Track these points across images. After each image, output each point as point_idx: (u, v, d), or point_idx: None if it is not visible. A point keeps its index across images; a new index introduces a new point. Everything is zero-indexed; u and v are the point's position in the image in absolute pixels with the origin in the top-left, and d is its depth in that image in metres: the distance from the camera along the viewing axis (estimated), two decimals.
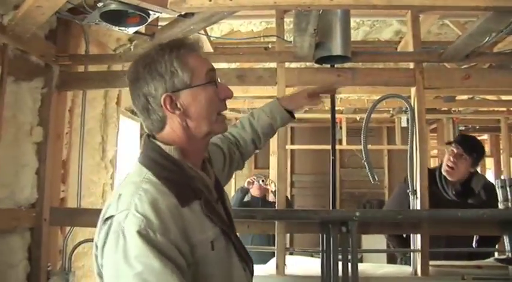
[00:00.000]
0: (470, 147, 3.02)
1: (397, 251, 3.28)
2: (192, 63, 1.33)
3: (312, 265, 2.65)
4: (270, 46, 3.23)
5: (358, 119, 6.19)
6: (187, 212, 1.21)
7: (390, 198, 3.35)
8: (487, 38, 2.29)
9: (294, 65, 3.07)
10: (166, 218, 1.14)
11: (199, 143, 1.39)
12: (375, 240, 3.54)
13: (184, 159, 1.32)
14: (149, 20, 2.18)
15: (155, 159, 1.29)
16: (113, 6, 2.05)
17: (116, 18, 2.22)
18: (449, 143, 3.04)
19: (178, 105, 1.30)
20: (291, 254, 3.64)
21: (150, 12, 2.11)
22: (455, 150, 3.01)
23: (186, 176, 1.30)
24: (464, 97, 5.36)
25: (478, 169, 7.04)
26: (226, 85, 1.42)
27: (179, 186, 1.24)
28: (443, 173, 3.02)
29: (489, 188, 2.95)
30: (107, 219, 1.18)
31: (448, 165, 2.99)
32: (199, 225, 1.23)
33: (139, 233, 1.09)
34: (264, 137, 1.90)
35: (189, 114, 1.31)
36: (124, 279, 1.09)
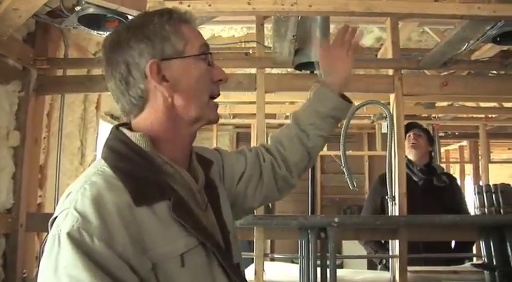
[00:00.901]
0: (422, 128, 3.43)
1: (375, 257, 3.30)
2: (187, 32, 1.08)
3: (291, 271, 2.65)
4: (251, 52, 3.23)
5: (338, 125, 6.20)
6: (145, 214, 0.93)
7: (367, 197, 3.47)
8: (464, 45, 2.32)
9: (274, 70, 3.07)
10: (111, 219, 0.88)
11: (184, 131, 1.10)
12: (356, 246, 3.55)
13: (158, 151, 1.04)
14: None
15: (115, 148, 1.04)
16: (91, 10, 2.04)
17: (95, 22, 2.21)
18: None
19: (166, 77, 1.04)
20: (273, 260, 3.63)
21: (129, 16, 2.10)
22: (412, 133, 3.28)
23: (153, 170, 1.02)
24: (444, 104, 5.42)
25: (458, 176, 7.15)
26: (220, 67, 1.16)
27: (139, 181, 0.97)
28: (408, 155, 3.19)
29: (450, 175, 3.43)
30: (53, 220, 0.93)
31: (411, 143, 3.23)
32: (163, 232, 0.95)
33: (69, 234, 0.84)
34: (314, 140, 1.49)
35: (178, 88, 1.05)
36: None
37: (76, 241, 0.84)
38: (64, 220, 0.87)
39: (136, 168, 1.00)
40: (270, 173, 1.41)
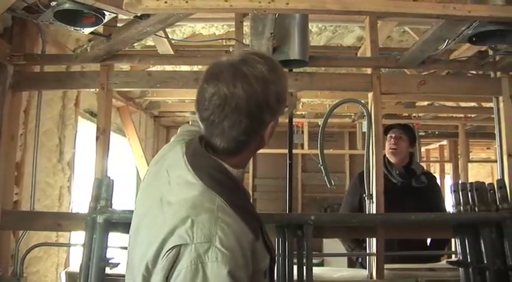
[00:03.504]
0: (405, 129, 3.40)
1: (353, 255, 3.33)
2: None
3: None
4: (231, 49, 3.23)
5: (320, 123, 6.23)
6: (258, 244, 1.19)
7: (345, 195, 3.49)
8: (441, 45, 2.34)
9: None
10: (247, 254, 1.10)
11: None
12: (337, 245, 3.57)
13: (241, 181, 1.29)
14: (104, 21, 2.14)
15: (222, 183, 1.19)
16: (67, 5, 2.01)
17: (71, 17, 2.18)
18: (385, 133, 3.23)
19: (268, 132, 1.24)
20: None
21: (106, 12, 2.08)
22: (393, 135, 3.30)
23: (248, 201, 1.28)
24: (424, 103, 5.48)
25: (438, 175, 7.22)
26: None
27: (249, 216, 1.19)
28: (388, 157, 3.26)
29: (429, 174, 3.50)
30: (175, 246, 1.07)
31: (391, 148, 3.27)
32: (262, 254, 1.22)
33: (230, 274, 1.02)
34: None
35: (266, 140, 1.25)
36: None
37: (232, 276, 1.03)
38: (208, 253, 1.04)
39: (243, 203, 1.23)
40: None
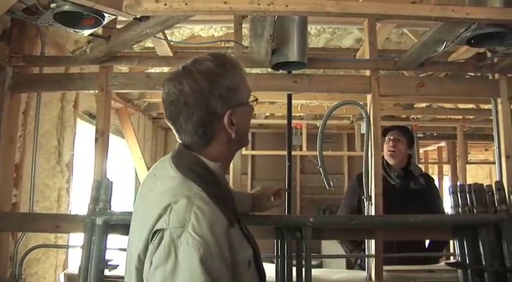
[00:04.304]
0: (403, 131, 3.40)
1: (351, 256, 3.33)
2: (245, 80, 1.36)
3: (268, 271, 2.65)
4: (230, 51, 3.23)
5: (318, 125, 6.25)
6: (234, 232, 1.21)
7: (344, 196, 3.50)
8: (440, 47, 2.35)
9: (254, 70, 3.08)
10: (221, 240, 1.13)
11: (231, 159, 1.42)
12: (336, 246, 3.57)
13: (222, 176, 1.33)
14: (104, 23, 2.15)
15: (201, 175, 1.26)
16: (67, 7, 2.01)
17: (71, 19, 2.18)
18: (383, 135, 3.21)
19: (233, 121, 1.30)
20: None
21: (105, 14, 2.08)
22: (392, 137, 3.31)
23: (226, 193, 1.32)
24: (423, 105, 5.49)
25: (436, 176, 7.22)
26: None
27: (226, 205, 1.24)
28: (387, 159, 3.27)
29: (428, 176, 3.49)
30: (157, 231, 1.15)
31: (389, 150, 3.28)
32: (241, 244, 1.24)
33: (201, 260, 1.07)
34: None
35: (239, 128, 1.32)
36: None
37: (203, 262, 1.07)
38: (180, 238, 1.10)
39: (220, 194, 1.26)
40: None
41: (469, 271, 2.23)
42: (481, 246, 2.22)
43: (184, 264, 1.08)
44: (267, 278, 2.45)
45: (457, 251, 2.33)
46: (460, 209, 2.36)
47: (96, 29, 2.25)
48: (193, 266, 1.07)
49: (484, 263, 2.19)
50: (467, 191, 2.37)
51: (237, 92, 1.30)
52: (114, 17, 2.11)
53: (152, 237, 1.16)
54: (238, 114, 1.30)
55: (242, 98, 1.32)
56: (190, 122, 1.27)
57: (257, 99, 1.41)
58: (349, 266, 4.96)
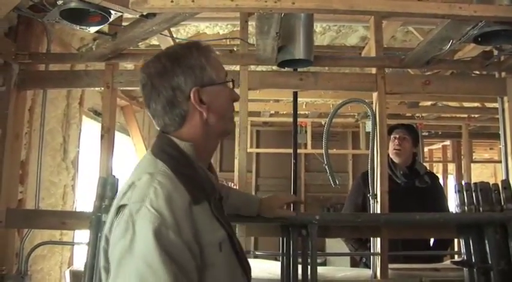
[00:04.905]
0: (409, 129, 3.45)
1: (357, 254, 3.34)
2: (215, 62, 1.38)
3: (273, 268, 2.65)
4: (235, 49, 3.22)
5: (323, 123, 6.24)
6: (198, 211, 1.19)
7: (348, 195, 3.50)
8: (446, 45, 2.34)
9: (259, 68, 3.08)
10: (180, 215, 1.13)
11: (213, 142, 1.41)
12: (340, 244, 3.58)
13: (197, 158, 1.32)
14: (110, 20, 2.15)
15: (170, 154, 1.29)
16: (73, 4, 2.01)
17: (77, 16, 2.18)
18: (389, 133, 3.21)
19: (204, 100, 1.32)
20: (256, 257, 3.64)
21: (112, 11, 2.08)
22: (397, 136, 3.34)
23: (198, 174, 1.30)
24: (428, 103, 5.47)
25: (441, 175, 7.21)
26: (234, 90, 1.47)
27: (193, 183, 1.23)
28: (392, 157, 3.28)
29: (433, 174, 3.52)
30: (120, 208, 1.17)
31: (395, 149, 3.30)
32: (209, 225, 1.22)
33: (154, 233, 1.07)
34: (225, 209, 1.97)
35: (212, 109, 1.33)
36: (125, 268, 1.08)
37: (158, 237, 1.07)
38: (138, 212, 1.11)
39: (189, 172, 1.26)
40: None
41: (475, 270, 2.22)
42: (487, 244, 2.21)
43: (139, 237, 1.08)
44: (273, 276, 2.47)
45: (463, 250, 2.33)
46: (466, 208, 2.36)
47: (102, 26, 2.25)
48: (147, 239, 1.07)
49: (490, 262, 2.19)
50: (473, 189, 2.37)
51: (203, 71, 1.32)
52: (121, 14, 2.11)
53: (116, 215, 1.17)
54: (209, 93, 1.33)
55: (211, 77, 1.34)
56: (159, 102, 1.31)
57: (233, 80, 1.44)
58: (354, 264, 4.96)
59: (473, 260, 2.24)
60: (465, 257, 2.29)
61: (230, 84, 1.44)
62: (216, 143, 1.44)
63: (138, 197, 1.15)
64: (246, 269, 1.37)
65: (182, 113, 1.31)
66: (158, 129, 1.39)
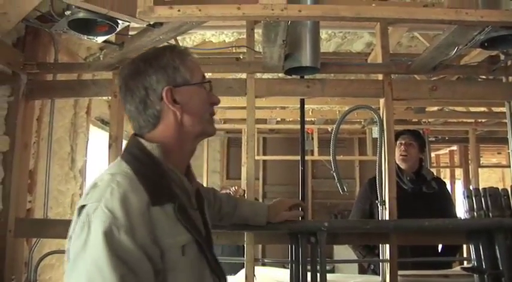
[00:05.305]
0: (415, 135, 3.47)
1: (366, 261, 3.33)
2: (191, 64, 1.39)
3: (281, 276, 2.65)
4: (241, 57, 3.23)
5: (329, 129, 6.24)
6: (158, 212, 1.18)
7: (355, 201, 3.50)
8: (453, 50, 2.34)
9: (266, 76, 3.08)
10: (135, 216, 1.12)
11: (189, 144, 1.40)
12: (347, 251, 3.57)
13: (167, 160, 1.31)
14: (118, 29, 2.16)
15: (136, 155, 1.29)
16: (81, 14, 2.03)
17: (85, 26, 2.19)
18: (395, 139, 3.21)
19: (177, 100, 1.32)
20: (264, 264, 3.63)
21: (119, 21, 2.09)
22: (403, 142, 3.36)
23: (163, 176, 1.29)
24: (434, 108, 5.46)
25: (448, 180, 7.18)
26: (213, 93, 1.48)
27: (155, 185, 1.22)
28: (398, 163, 3.29)
29: (440, 180, 3.54)
30: (81, 208, 1.17)
31: (401, 155, 3.32)
32: (170, 228, 1.21)
33: (104, 233, 1.07)
34: (233, 221, 2.00)
35: (186, 109, 1.33)
36: (77, 268, 1.09)
37: (107, 237, 1.07)
38: (94, 213, 1.11)
39: (152, 174, 1.25)
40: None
41: (485, 276, 2.21)
42: (497, 250, 2.20)
43: (92, 237, 1.09)
44: None
45: (473, 256, 2.32)
46: (475, 213, 2.35)
47: (109, 35, 2.27)
48: (97, 239, 1.07)
49: (501, 268, 2.17)
50: (482, 194, 2.36)
51: (176, 71, 1.33)
52: (128, 23, 2.13)
53: (78, 215, 1.17)
54: (183, 93, 1.34)
55: (185, 78, 1.35)
56: (133, 103, 1.33)
57: (209, 81, 1.44)
58: (362, 271, 4.94)
59: (484, 266, 2.23)
60: (475, 263, 2.28)
61: (207, 87, 1.44)
62: (192, 145, 1.42)
63: (96, 197, 1.15)
64: (220, 278, 1.38)
65: (155, 113, 1.32)
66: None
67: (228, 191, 5.35)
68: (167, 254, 1.17)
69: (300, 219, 2.28)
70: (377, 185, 2.64)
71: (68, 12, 2.05)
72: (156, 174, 1.26)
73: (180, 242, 1.22)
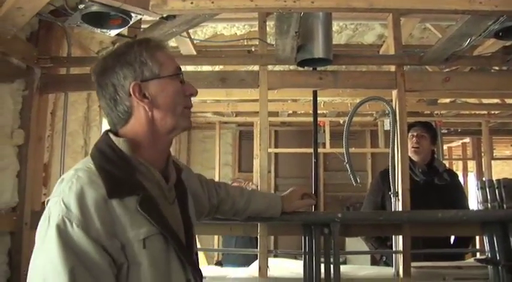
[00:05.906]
0: (427, 127, 3.45)
1: (379, 252, 3.33)
2: (161, 57, 1.35)
3: (295, 267, 2.66)
4: (253, 49, 3.23)
5: (341, 122, 6.22)
6: (116, 206, 1.18)
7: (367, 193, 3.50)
8: (466, 41, 2.32)
9: (277, 68, 3.08)
10: (90, 210, 1.13)
11: (162, 139, 1.36)
12: (359, 243, 3.57)
13: (138, 154, 1.30)
14: (131, 22, 2.17)
15: (102, 151, 1.28)
16: (95, 8, 2.04)
17: (98, 20, 2.21)
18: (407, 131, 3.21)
19: (147, 95, 1.30)
20: (276, 256, 3.64)
21: (132, 14, 2.10)
22: (415, 133, 3.33)
23: (129, 170, 1.27)
24: (447, 100, 5.43)
25: (460, 173, 7.14)
26: (191, 84, 1.43)
27: (115, 179, 1.22)
28: (410, 156, 3.22)
29: (452, 172, 3.56)
30: (47, 202, 1.20)
31: (413, 147, 3.29)
32: (130, 221, 1.19)
33: (57, 226, 1.09)
34: (247, 215, 2.02)
35: (156, 104, 1.31)
36: (36, 261, 1.12)
37: (60, 231, 1.09)
38: (54, 207, 1.14)
39: (115, 168, 1.24)
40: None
41: (499, 267, 2.21)
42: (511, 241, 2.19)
43: (49, 231, 1.10)
44: (295, 275, 2.47)
45: (487, 247, 2.31)
46: (489, 205, 2.34)
47: (122, 29, 2.28)
48: (52, 232, 1.09)
49: None
50: (496, 186, 2.35)
51: (143, 65, 1.30)
52: (141, 16, 2.13)
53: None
54: (152, 88, 1.31)
55: (153, 72, 1.31)
56: (104, 99, 1.32)
57: (179, 73, 1.38)
58: (374, 262, 4.94)
59: (498, 258, 2.22)
60: (489, 255, 2.27)
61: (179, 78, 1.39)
62: (166, 139, 1.38)
63: (58, 191, 1.18)
64: (194, 274, 1.34)
65: (126, 109, 1.30)
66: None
67: (238, 184, 5.34)
68: (127, 247, 1.17)
69: (313, 209, 2.29)
70: (389, 177, 2.63)
71: (81, 6, 2.06)
72: (119, 168, 1.25)
73: (140, 234, 1.20)
